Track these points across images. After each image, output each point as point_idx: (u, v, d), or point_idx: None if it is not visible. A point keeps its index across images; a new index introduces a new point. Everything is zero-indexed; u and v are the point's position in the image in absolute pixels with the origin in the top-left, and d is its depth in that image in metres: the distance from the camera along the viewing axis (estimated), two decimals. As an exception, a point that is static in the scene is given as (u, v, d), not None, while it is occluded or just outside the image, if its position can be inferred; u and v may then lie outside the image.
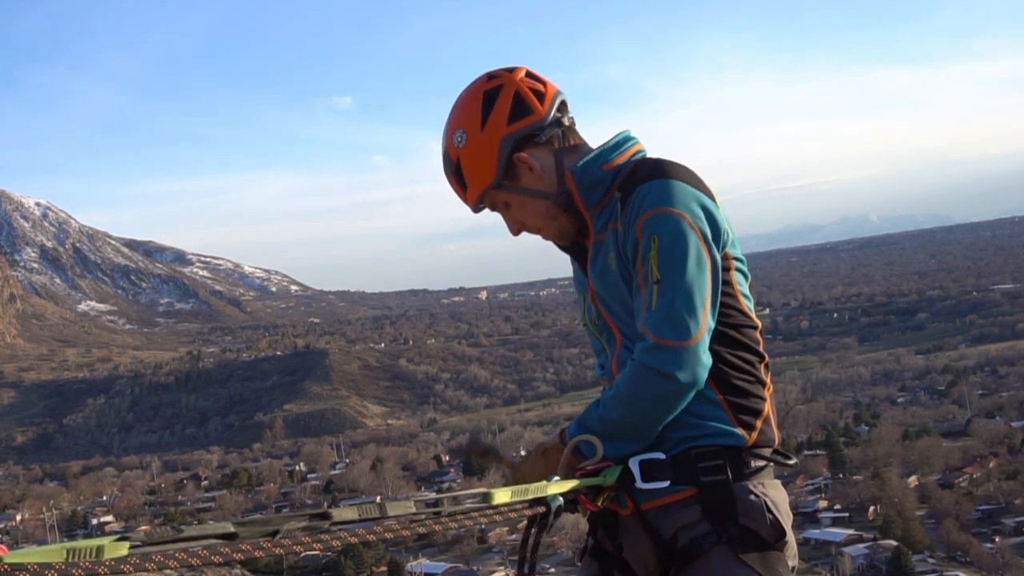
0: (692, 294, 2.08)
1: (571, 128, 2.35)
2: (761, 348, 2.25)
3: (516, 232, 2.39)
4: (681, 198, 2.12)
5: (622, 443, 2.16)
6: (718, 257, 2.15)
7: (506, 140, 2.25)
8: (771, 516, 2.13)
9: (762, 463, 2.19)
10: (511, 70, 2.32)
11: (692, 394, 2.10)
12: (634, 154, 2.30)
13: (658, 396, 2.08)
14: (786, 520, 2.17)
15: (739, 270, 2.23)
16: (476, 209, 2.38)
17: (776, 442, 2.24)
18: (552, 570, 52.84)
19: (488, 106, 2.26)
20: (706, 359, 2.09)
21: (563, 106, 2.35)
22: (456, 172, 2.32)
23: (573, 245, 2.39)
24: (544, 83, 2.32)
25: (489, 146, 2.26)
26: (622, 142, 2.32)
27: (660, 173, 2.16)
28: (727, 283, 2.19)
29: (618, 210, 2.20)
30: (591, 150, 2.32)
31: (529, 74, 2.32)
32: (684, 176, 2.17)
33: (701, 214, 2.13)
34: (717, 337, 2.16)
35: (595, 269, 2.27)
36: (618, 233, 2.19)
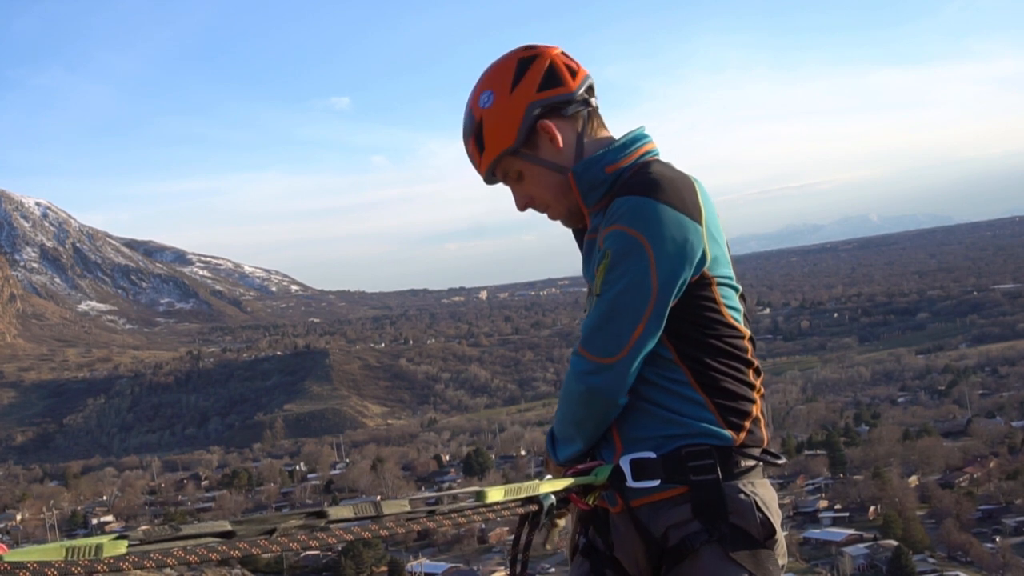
0: (622, 317, 2.11)
1: (596, 112, 2.36)
2: (749, 355, 2.27)
3: (523, 206, 2.36)
4: (651, 220, 2.10)
5: (567, 445, 2.26)
6: (671, 284, 2.13)
7: (533, 105, 2.24)
8: (761, 515, 2.14)
9: (752, 463, 2.20)
10: (547, 46, 2.35)
11: (611, 407, 2.17)
12: (643, 155, 2.28)
13: (576, 400, 2.18)
14: (776, 519, 2.18)
15: (724, 285, 2.24)
16: (488, 180, 2.35)
17: (765, 443, 2.25)
18: (552, 570, 52.82)
19: (521, 72, 2.26)
20: (625, 378, 2.13)
21: (591, 90, 2.36)
22: (477, 133, 2.29)
23: (582, 231, 2.39)
24: (578, 63, 2.35)
25: (515, 109, 2.24)
26: (630, 143, 2.29)
27: (643, 190, 2.13)
28: (710, 299, 2.20)
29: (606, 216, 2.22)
30: (603, 145, 2.31)
31: (564, 53, 2.35)
32: (668, 196, 2.12)
33: (670, 240, 2.10)
34: (702, 347, 2.20)
35: (589, 265, 2.30)
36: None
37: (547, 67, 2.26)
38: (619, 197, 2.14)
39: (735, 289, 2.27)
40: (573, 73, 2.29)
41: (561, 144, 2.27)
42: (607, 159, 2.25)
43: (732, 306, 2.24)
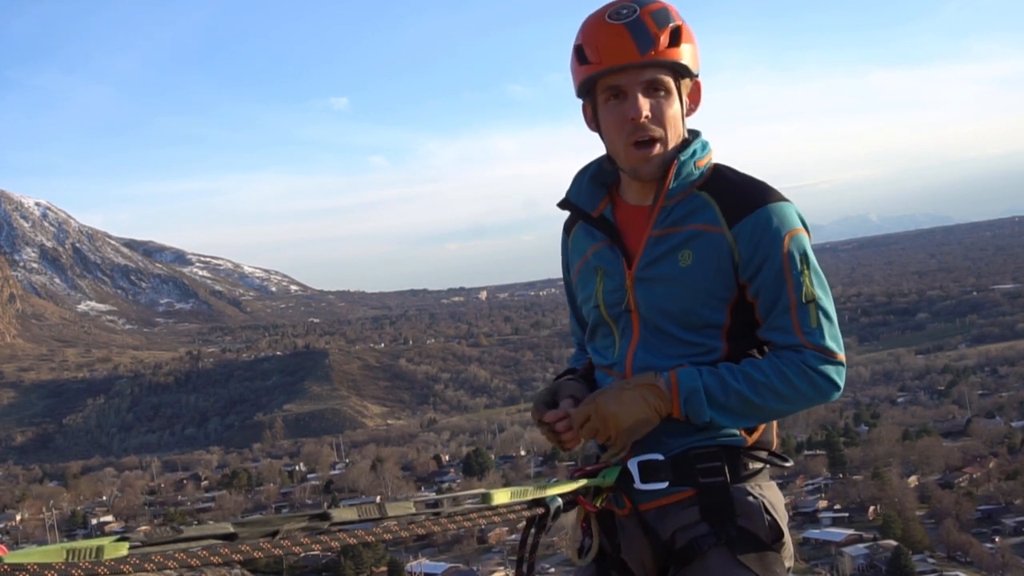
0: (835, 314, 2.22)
1: None
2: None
3: (641, 117, 2.15)
4: (805, 223, 2.20)
5: (740, 420, 2.15)
6: None
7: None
8: (769, 517, 2.14)
9: (760, 465, 2.21)
10: None
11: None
12: (711, 159, 2.28)
13: (814, 401, 2.17)
14: (783, 521, 2.18)
15: None
16: (624, 69, 2.13)
17: (774, 445, 2.26)
18: (552, 570, 52.81)
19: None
20: None
21: None
22: (676, 32, 2.14)
23: (601, 219, 2.30)
24: None
25: (696, 48, 2.22)
26: (706, 144, 2.28)
27: (781, 195, 2.18)
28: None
29: (716, 215, 2.16)
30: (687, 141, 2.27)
31: None
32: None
33: None
34: (751, 345, 2.22)
35: (649, 257, 2.20)
36: (722, 239, 2.15)
37: None
38: (769, 204, 2.14)
39: None
40: None
41: (690, 108, 2.26)
42: (698, 155, 2.23)
43: None
